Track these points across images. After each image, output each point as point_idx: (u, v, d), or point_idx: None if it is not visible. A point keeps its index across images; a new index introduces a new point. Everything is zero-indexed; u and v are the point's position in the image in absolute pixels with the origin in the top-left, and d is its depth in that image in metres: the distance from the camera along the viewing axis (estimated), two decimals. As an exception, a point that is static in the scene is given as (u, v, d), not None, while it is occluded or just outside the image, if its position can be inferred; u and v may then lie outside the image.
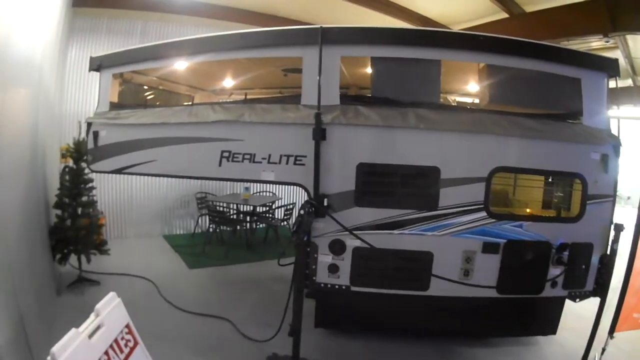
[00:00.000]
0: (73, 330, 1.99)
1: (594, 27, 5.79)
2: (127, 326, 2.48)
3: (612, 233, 3.63)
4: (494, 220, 3.43)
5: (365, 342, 4.09)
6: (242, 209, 7.46)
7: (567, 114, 3.67)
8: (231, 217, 7.21)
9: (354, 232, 3.42)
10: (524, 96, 3.66)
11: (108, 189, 7.15)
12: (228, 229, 7.34)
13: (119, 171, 4.14)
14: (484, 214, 3.41)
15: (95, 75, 4.52)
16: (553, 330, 4.05)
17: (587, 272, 3.62)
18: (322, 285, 3.58)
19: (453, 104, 3.70)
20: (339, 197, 3.47)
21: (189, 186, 7.67)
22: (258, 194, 8.05)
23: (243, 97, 4.02)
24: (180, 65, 4.11)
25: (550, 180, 3.78)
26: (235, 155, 3.67)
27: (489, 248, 3.43)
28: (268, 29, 3.69)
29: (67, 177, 4.92)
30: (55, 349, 1.85)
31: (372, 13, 7.07)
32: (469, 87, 3.85)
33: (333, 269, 3.54)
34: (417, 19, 7.25)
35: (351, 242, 3.46)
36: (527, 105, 3.62)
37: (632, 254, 3.49)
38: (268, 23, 7.10)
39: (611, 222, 3.67)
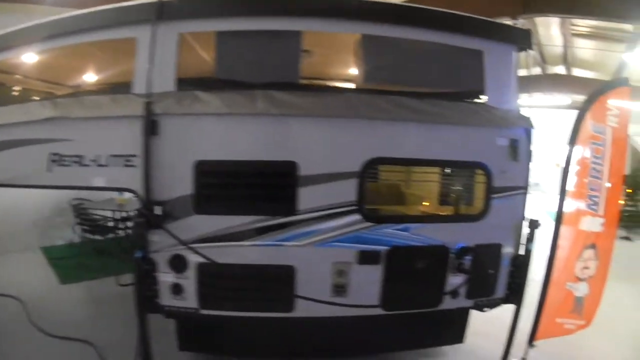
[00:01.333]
0: None
1: (505, 8, 5.31)
2: None
3: (526, 230, 3.04)
4: (370, 224, 2.77)
5: None
6: (118, 216, 6.67)
7: (466, 93, 3.07)
8: (105, 224, 6.59)
9: (194, 245, 2.75)
10: (412, 73, 3.03)
11: None
12: (101, 237, 6.69)
13: None
14: (357, 216, 2.75)
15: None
16: (460, 339, 3.50)
17: (497, 277, 3.09)
18: (167, 308, 2.93)
19: (318, 84, 3.01)
20: (176, 203, 2.78)
21: (65, 192, 6.55)
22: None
23: (75, 89, 3.33)
24: (13, 58, 3.44)
25: (445, 172, 3.13)
26: (64, 159, 2.99)
27: (366, 258, 2.78)
28: (96, 8, 3.01)
29: None
30: None
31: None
32: (342, 64, 3.18)
33: (177, 289, 2.87)
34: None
35: (194, 258, 2.79)
36: (415, 84, 3.00)
37: (552, 251, 3.09)
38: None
39: (524, 218, 3.09)
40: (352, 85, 3.06)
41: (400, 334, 3.27)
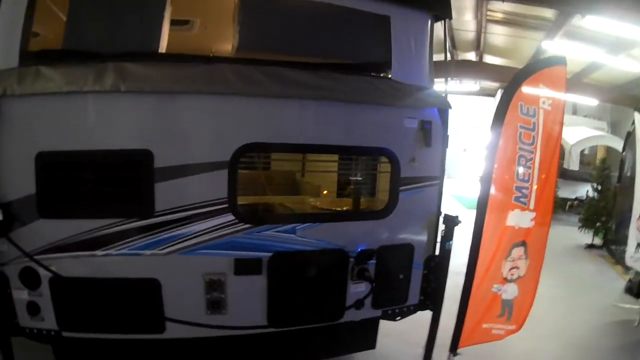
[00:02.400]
0: None
1: None
2: None
3: (441, 227, 2.66)
4: (247, 225, 2.33)
5: None
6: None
7: (368, 65, 2.63)
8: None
9: (45, 255, 2.31)
10: (300, 40, 2.56)
11: None
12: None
13: None
14: (229, 217, 2.31)
15: None
16: (371, 345, 3.10)
17: (408, 282, 2.75)
18: (28, 330, 2.48)
19: (179, 54, 2.52)
20: (19, 204, 2.32)
21: None
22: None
23: None
24: None
25: (342, 161, 2.69)
26: None
27: (245, 267, 2.35)
28: None
29: None
30: None
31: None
32: (214, 28, 2.72)
33: (33, 308, 2.43)
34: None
35: (45, 271, 2.35)
36: (304, 53, 2.53)
37: (473, 250, 2.67)
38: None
39: (439, 213, 2.69)
40: (225, 55, 2.61)
41: (299, 346, 2.82)
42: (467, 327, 2.79)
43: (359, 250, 2.49)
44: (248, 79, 2.28)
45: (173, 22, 2.53)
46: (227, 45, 2.71)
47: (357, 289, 2.54)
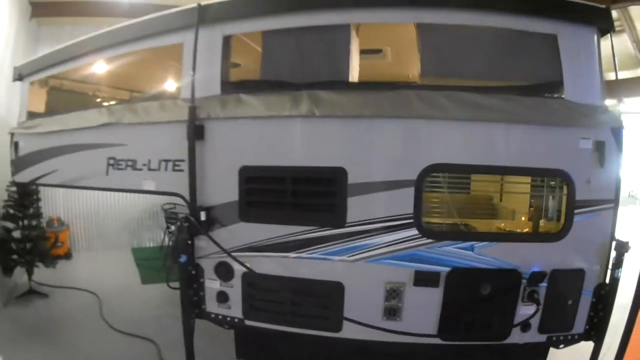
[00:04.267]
0: None
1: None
2: None
3: (613, 254, 2.57)
4: (429, 240, 2.47)
5: None
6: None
7: (540, 86, 2.63)
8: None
9: (241, 253, 2.65)
10: (475, 64, 2.65)
11: (74, 200, 7.01)
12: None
13: (33, 181, 3.82)
14: (414, 231, 2.46)
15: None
16: None
17: (576, 309, 2.63)
18: (213, 315, 2.86)
19: (367, 82, 2.74)
20: (222, 209, 2.70)
21: (157, 196, 7.22)
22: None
23: (128, 96, 3.44)
24: (83, 67, 3.64)
25: (517, 182, 2.71)
26: (119, 162, 3.08)
27: (424, 279, 2.48)
28: (145, 17, 3.06)
29: (13, 189, 4.83)
30: None
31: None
32: (396, 56, 2.89)
33: (222, 297, 2.79)
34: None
35: (240, 267, 2.68)
36: (479, 77, 2.63)
37: None
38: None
39: (612, 239, 2.59)
40: (408, 82, 2.77)
41: None
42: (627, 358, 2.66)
43: (532, 271, 2.49)
44: (431, 103, 2.43)
45: (366, 52, 2.77)
46: (416, 72, 2.91)
47: (526, 311, 2.53)
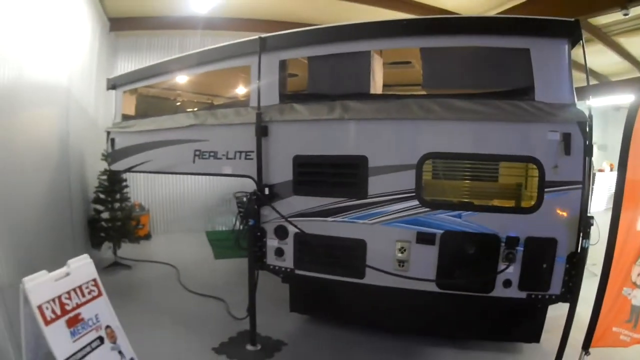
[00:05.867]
0: (43, 271, 2.72)
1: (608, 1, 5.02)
2: (94, 280, 3.17)
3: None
4: (427, 209, 3.35)
5: (336, 330, 4.21)
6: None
7: (515, 91, 3.23)
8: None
9: (292, 218, 3.69)
10: (463, 76, 3.44)
11: (155, 188, 8.24)
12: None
13: (129, 170, 5.05)
14: (415, 202, 3.36)
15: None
16: (536, 338, 3.58)
17: (551, 272, 3.17)
18: (272, 267, 3.91)
19: (382, 93, 3.66)
20: (281, 186, 3.78)
21: (230, 185, 8.23)
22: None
23: (210, 104, 4.63)
24: (168, 81, 4.89)
25: (496, 166, 3.48)
26: (204, 153, 4.24)
27: (423, 239, 3.35)
28: (222, 45, 4.16)
29: (103, 177, 6.05)
30: (26, 279, 2.59)
31: (394, 13, 7.06)
32: (402, 73, 3.82)
33: (279, 252, 3.84)
34: (433, 13, 7.02)
35: (293, 228, 3.72)
36: (467, 86, 3.39)
37: (609, 251, 2.93)
38: (284, 28, 7.62)
39: (584, 214, 3.11)
40: (413, 93, 3.62)
41: (478, 323, 3.64)
42: (599, 326, 3.00)
43: (508, 236, 3.19)
44: (426, 108, 3.28)
45: (398, 63, 3.79)
46: (406, 80, 3.82)
47: (507, 270, 3.18)
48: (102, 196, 6.06)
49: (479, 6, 6.71)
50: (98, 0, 6.62)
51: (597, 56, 9.01)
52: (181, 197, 8.48)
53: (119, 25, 7.65)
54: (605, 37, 7.88)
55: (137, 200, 7.97)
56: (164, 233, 8.31)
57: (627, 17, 6.00)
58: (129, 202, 6.54)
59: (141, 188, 8.19)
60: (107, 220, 6.02)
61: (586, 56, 3.23)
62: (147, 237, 7.74)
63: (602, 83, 10.96)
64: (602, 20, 7.09)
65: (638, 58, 9.17)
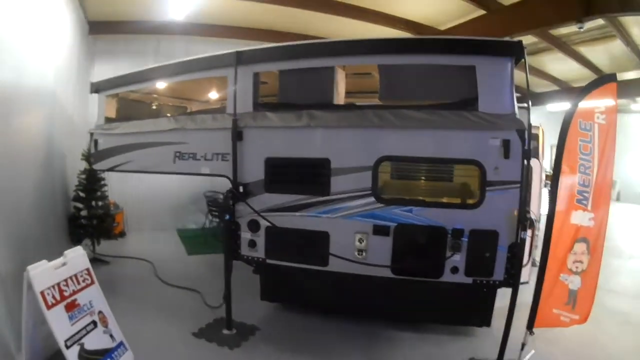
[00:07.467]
0: (44, 261, 3.05)
1: (568, 14, 5.55)
2: (87, 269, 3.53)
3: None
4: (382, 205, 3.78)
5: (305, 316, 4.64)
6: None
7: (462, 102, 3.62)
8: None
9: (264, 213, 4.08)
10: (416, 89, 3.89)
11: (128, 187, 8.14)
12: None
13: (111, 169, 5.30)
14: (372, 199, 3.79)
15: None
16: (487, 322, 3.97)
17: (494, 260, 3.55)
18: (245, 257, 4.30)
19: (345, 103, 4.10)
20: (254, 185, 4.16)
21: (200, 185, 8.47)
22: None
23: (189, 110, 5.01)
24: (149, 87, 5.23)
25: (444, 167, 3.90)
26: (184, 155, 4.58)
27: (379, 230, 3.78)
28: (202, 56, 4.50)
29: (83, 176, 6.27)
30: (30, 267, 2.93)
31: (363, 24, 7.54)
32: (363, 83, 4.28)
33: (252, 244, 4.23)
34: (404, 24, 7.51)
35: (264, 222, 4.11)
36: (418, 98, 3.83)
37: (546, 242, 3.38)
38: (266, 37, 8.04)
39: (522, 209, 3.43)
40: (370, 103, 4.07)
41: (417, 300, 4.04)
42: (541, 308, 3.38)
43: (453, 228, 3.61)
44: (381, 117, 3.70)
45: (360, 74, 4.23)
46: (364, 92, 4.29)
47: (454, 258, 3.58)
48: (81, 194, 6.28)
49: (443, 16, 7.22)
50: (79, 4, 6.82)
51: (558, 63, 9.67)
52: (153, 196, 8.55)
53: (98, 28, 7.81)
54: (565, 47, 8.52)
55: (112, 199, 7.95)
56: (137, 231, 8.41)
57: (582, 30, 6.57)
58: (106, 201, 6.75)
59: (115, 187, 8.04)
60: (87, 218, 6.23)
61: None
62: (122, 234, 7.94)
63: (563, 89, 11.67)
64: (562, 30, 7.71)
65: (598, 65, 9.84)
